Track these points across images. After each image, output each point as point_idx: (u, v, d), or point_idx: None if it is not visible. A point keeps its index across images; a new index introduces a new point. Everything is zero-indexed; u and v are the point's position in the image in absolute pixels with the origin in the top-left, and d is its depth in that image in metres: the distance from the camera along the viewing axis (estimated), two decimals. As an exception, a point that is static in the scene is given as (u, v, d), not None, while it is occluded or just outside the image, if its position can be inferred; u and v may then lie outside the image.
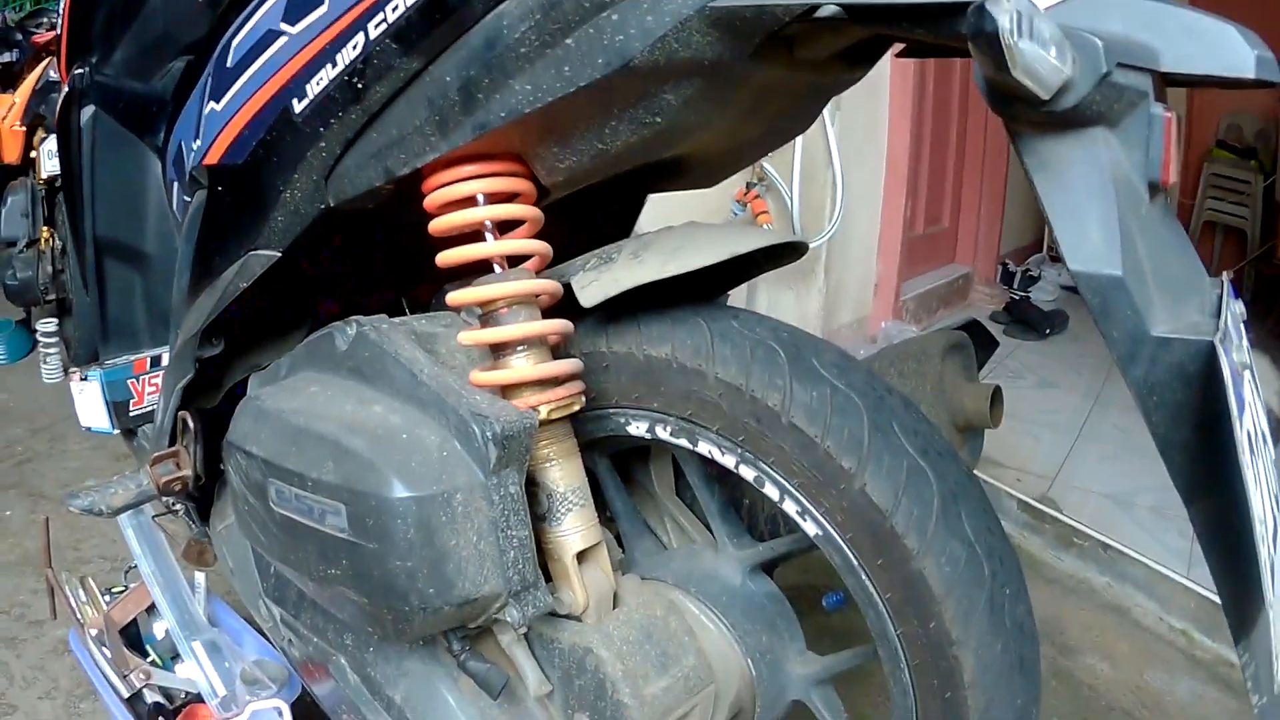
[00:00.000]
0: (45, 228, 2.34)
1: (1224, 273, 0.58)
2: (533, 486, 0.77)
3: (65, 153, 1.37)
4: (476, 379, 0.75)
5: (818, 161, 2.64)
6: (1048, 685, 1.59)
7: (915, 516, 0.68)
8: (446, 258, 0.77)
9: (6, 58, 2.82)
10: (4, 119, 2.49)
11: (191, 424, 1.02)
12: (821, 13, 0.59)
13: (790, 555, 1.00)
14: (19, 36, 2.80)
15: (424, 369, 0.72)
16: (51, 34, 2.65)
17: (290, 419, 0.76)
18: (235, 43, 0.84)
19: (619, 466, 0.96)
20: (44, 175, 2.26)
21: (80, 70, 1.34)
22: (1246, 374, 0.53)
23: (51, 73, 2.35)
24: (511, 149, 0.75)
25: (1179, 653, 1.74)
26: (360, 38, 0.73)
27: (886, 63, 2.86)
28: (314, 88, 0.77)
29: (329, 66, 0.75)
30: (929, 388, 0.92)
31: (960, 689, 0.68)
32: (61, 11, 1.39)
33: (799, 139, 2.54)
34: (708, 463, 0.85)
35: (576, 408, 0.77)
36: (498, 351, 0.76)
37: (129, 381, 1.39)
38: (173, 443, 1.08)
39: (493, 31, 0.67)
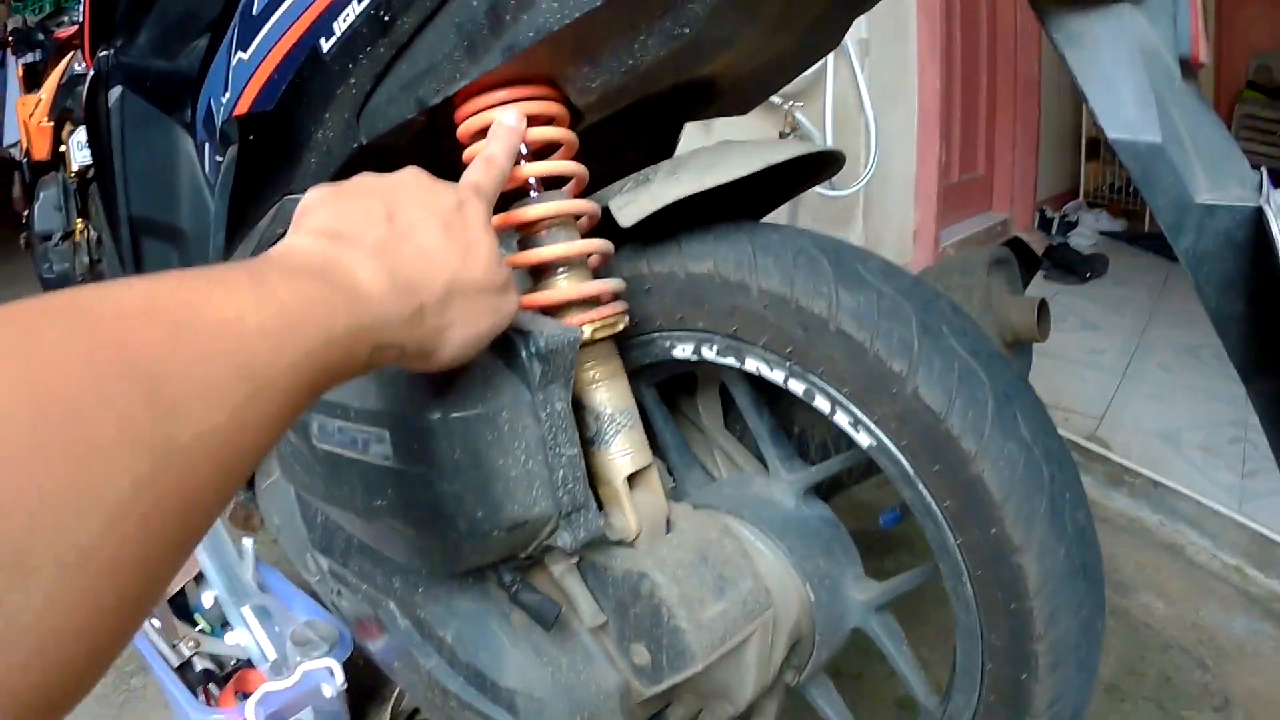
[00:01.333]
0: (79, 220, 2.37)
1: (1261, 167, 0.57)
2: (580, 410, 0.76)
3: (95, 136, 1.38)
4: (521, 301, 0.74)
5: (849, 108, 2.61)
6: None
7: (970, 418, 0.66)
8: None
9: (30, 58, 2.86)
10: (32, 115, 2.53)
11: None
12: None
13: (842, 480, 1.00)
14: (40, 36, 2.84)
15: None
16: (73, 29, 2.68)
17: None
18: (256, -10, 0.84)
19: (666, 402, 0.95)
20: (74, 168, 2.29)
21: (105, 53, 1.35)
22: None
23: (76, 66, 2.38)
24: (542, 72, 0.74)
25: (1233, 589, 1.72)
26: (385, -33, 0.72)
27: (912, 4, 2.81)
28: (341, 25, 0.77)
29: (355, 2, 0.75)
30: (975, 301, 0.90)
31: (1025, 598, 0.67)
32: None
33: (829, 85, 2.51)
34: (757, 386, 0.84)
35: (620, 327, 0.76)
36: (539, 275, 0.76)
37: None
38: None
39: (516, -52, 0.66)
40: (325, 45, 0.78)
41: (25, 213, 2.51)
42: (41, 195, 2.42)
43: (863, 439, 0.72)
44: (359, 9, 0.74)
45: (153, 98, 1.35)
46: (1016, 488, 0.66)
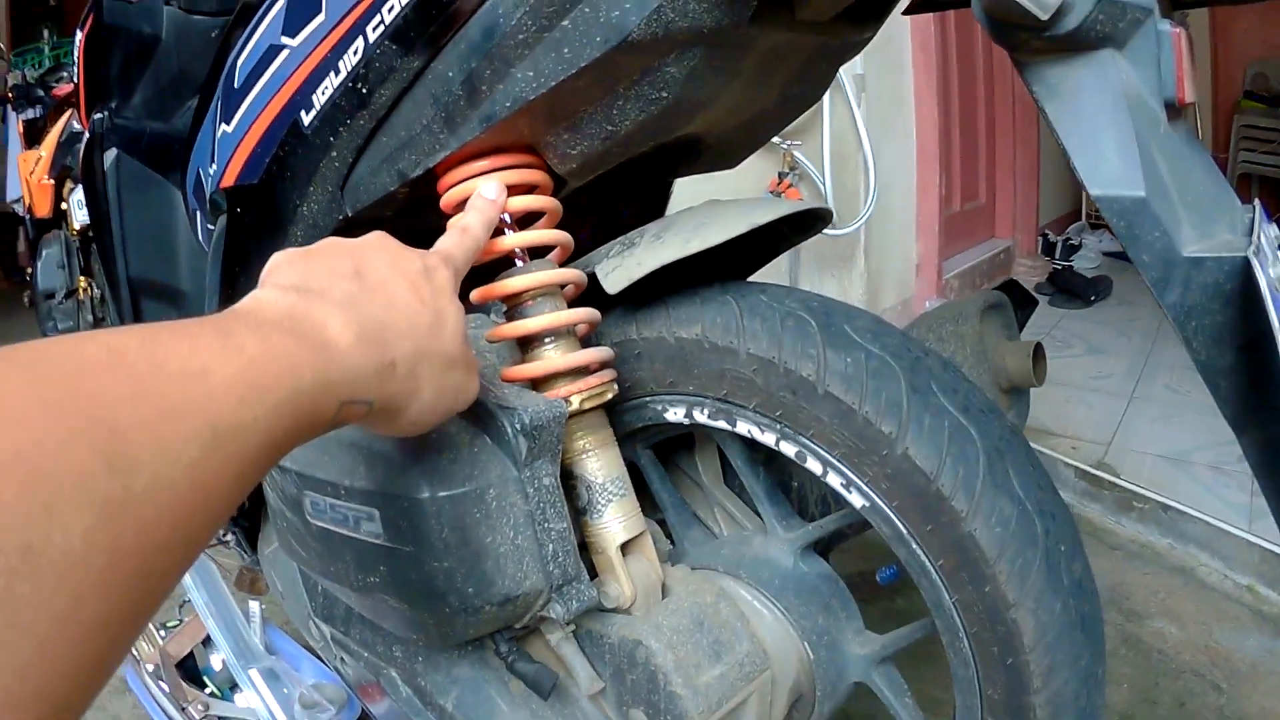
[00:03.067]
0: (82, 277, 2.38)
1: (1255, 199, 0.56)
2: (571, 479, 0.76)
3: (92, 197, 1.38)
4: (507, 374, 0.74)
5: (847, 145, 2.61)
6: (1116, 653, 1.57)
7: (961, 476, 0.65)
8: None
9: (30, 114, 2.87)
10: (33, 172, 2.54)
11: None
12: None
13: (841, 535, 0.98)
14: (40, 92, 2.85)
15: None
16: (70, 86, 2.70)
17: None
18: (240, 63, 0.84)
19: (663, 458, 0.95)
20: (76, 226, 2.30)
21: (100, 115, 1.36)
22: None
23: (75, 124, 2.39)
24: (522, 140, 0.74)
25: (1246, 609, 1.71)
26: (360, 42, 0.72)
27: (906, 38, 2.82)
28: (320, 98, 0.77)
29: (332, 74, 0.75)
30: (968, 349, 0.89)
31: (1021, 653, 0.66)
32: (77, 60, 1.41)
33: (826, 123, 2.51)
34: (751, 445, 0.83)
35: (609, 396, 0.76)
36: (526, 346, 0.76)
37: None
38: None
39: (489, 21, 0.66)
40: (306, 118, 0.79)
41: (29, 270, 2.52)
42: (44, 253, 2.43)
43: (855, 500, 0.72)
44: (336, 82, 0.75)
45: (148, 159, 1.36)
46: (1009, 544, 0.66)
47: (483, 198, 0.70)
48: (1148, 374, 2.75)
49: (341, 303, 0.50)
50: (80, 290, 2.37)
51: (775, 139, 2.50)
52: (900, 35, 2.90)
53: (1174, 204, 0.50)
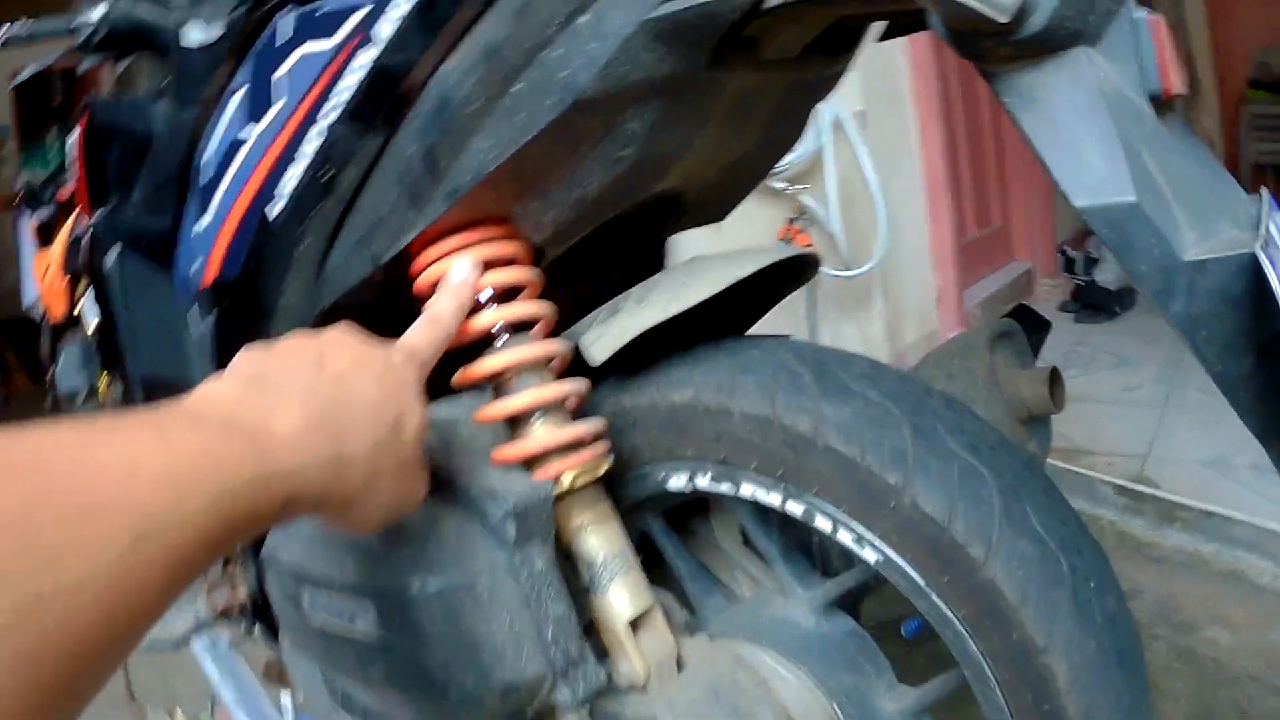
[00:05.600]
0: (104, 375, 2.39)
1: (1262, 188, 0.51)
2: (571, 558, 0.72)
3: (99, 296, 1.39)
4: (497, 456, 0.71)
5: (854, 184, 2.58)
6: (1170, 668, 1.51)
7: (975, 521, 0.61)
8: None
9: (43, 214, 2.92)
10: (46, 274, 2.57)
11: (238, 547, 1.01)
12: (769, 3, 0.56)
13: (865, 588, 0.94)
14: (47, 196, 2.90)
15: (434, 452, 0.69)
16: (74, 186, 2.73)
17: (307, 528, 0.74)
18: (204, 160, 0.84)
19: (679, 523, 0.91)
20: (91, 326, 2.32)
21: (100, 213, 1.37)
22: None
23: (81, 225, 2.42)
24: (492, 212, 0.72)
25: (1301, 606, 1.65)
26: (317, 128, 0.71)
27: (905, 69, 2.80)
28: (285, 188, 0.76)
29: (294, 164, 0.74)
30: (980, 384, 0.85)
31: (1057, 697, 0.61)
32: (75, 160, 1.43)
33: (830, 164, 2.49)
34: (760, 507, 0.80)
35: (604, 469, 0.73)
36: (516, 425, 0.73)
37: None
38: (226, 565, 1.07)
39: (441, 94, 0.65)
40: (273, 211, 0.77)
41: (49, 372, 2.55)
42: (62, 355, 2.44)
43: (868, 555, 0.68)
44: (299, 171, 0.73)
45: (151, 255, 1.35)
46: (1033, 586, 0.61)
47: (452, 281, 0.68)
48: (1179, 380, 2.69)
49: (295, 391, 0.49)
50: (101, 390, 2.39)
51: (779, 184, 2.49)
52: (898, 67, 2.88)
53: (1169, 205, 0.46)
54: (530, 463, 0.71)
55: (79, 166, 1.39)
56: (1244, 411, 0.47)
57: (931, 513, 0.62)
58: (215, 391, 0.48)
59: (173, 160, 1.33)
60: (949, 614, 0.65)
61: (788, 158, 2.40)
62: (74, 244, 2.42)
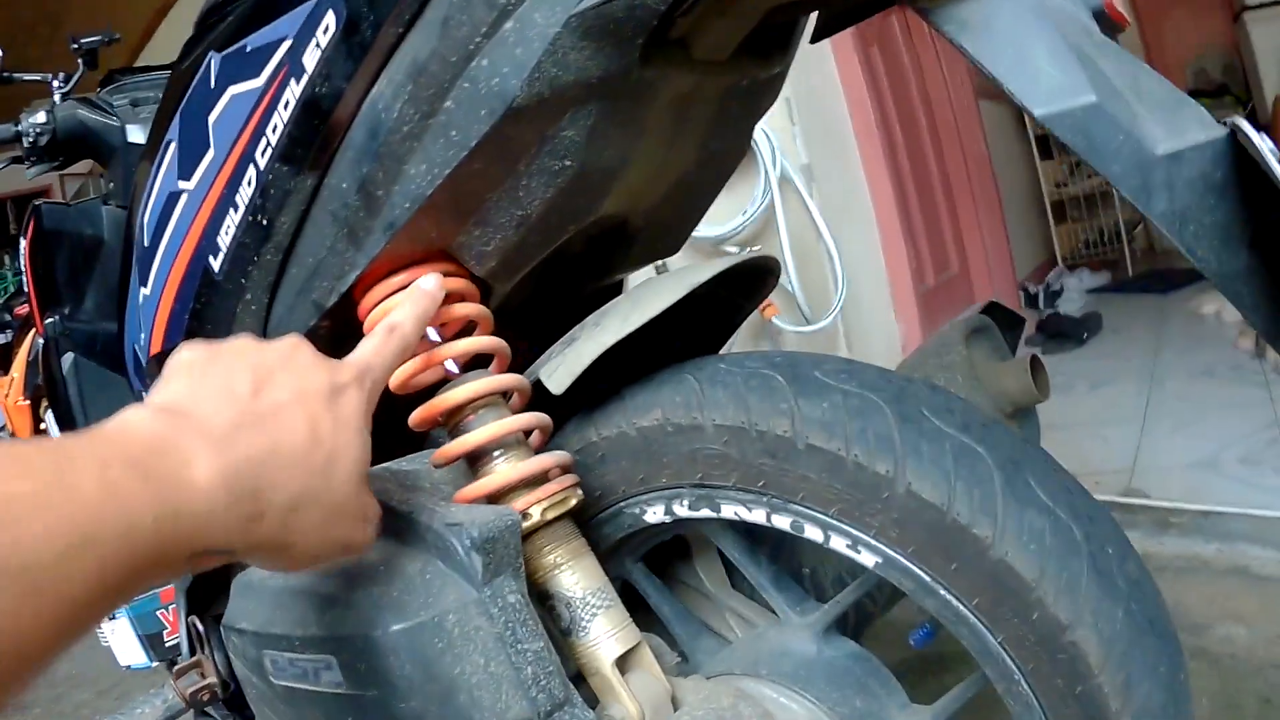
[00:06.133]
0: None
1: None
2: (548, 600, 0.68)
3: (54, 403, 1.35)
4: (459, 497, 0.68)
5: (807, 239, 2.59)
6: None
7: (977, 499, 0.58)
8: (398, 379, 0.71)
9: (0, 339, 2.87)
10: (8, 396, 2.52)
11: (201, 628, 0.95)
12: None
13: (867, 612, 0.90)
14: (7, 316, 2.86)
15: (393, 496, 0.65)
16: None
17: (271, 583, 0.70)
18: (145, 219, 0.81)
19: (661, 572, 0.87)
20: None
21: (52, 320, 1.33)
22: None
23: (39, 343, 2.38)
24: (434, 246, 0.70)
25: (1311, 588, 1.63)
26: (252, 171, 0.69)
27: (846, 121, 2.83)
28: (225, 239, 0.73)
29: (232, 211, 0.72)
30: (960, 379, 0.83)
31: (1091, 676, 0.56)
32: (25, 268, 1.40)
33: (781, 221, 2.50)
34: (746, 533, 0.76)
35: (574, 502, 0.69)
36: (476, 465, 0.69)
37: (158, 612, 1.35)
38: (194, 652, 1.01)
39: (371, 120, 0.63)
40: (215, 264, 0.75)
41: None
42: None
43: (866, 559, 0.64)
44: (237, 218, 0.71)
45: (105, 360, 1.33)
46: (1049, 559, 0.57)
47: (419, 288, 0.64)
48: (1155, 391, 2.70)
49: (219, 438, 0.45)
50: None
51: (734, 247, 2.49)
52: (840, 118, 2.93)
53: (1132, 105, 0.43)
54: (496, 501, 0.67)
55: (28, 274, 1.37)
56: (1248, 309, 0.43)
57: (929, 497, 0.59)
58: (133, 424, 0.44)
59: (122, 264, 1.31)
60: (962, 608, 0.60)
61: (738, 220, 2.42)
62: (33, 362, 2.38)
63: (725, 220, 2.46)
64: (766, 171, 2.41)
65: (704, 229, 2.45)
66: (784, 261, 2.50)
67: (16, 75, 1.49)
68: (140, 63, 2.86)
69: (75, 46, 1.50)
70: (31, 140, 1.27)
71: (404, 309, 0.62)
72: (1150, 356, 3.02)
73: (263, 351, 0.52)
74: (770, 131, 2.43)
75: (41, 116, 1.26)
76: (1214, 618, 1.61)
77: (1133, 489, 2.07)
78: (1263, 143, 0.39)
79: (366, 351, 0.58)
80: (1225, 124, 0.42)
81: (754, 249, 2.54)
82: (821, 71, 2.85)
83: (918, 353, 0.88)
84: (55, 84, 1.46)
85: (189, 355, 0.50)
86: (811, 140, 2.67)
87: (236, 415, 0.47)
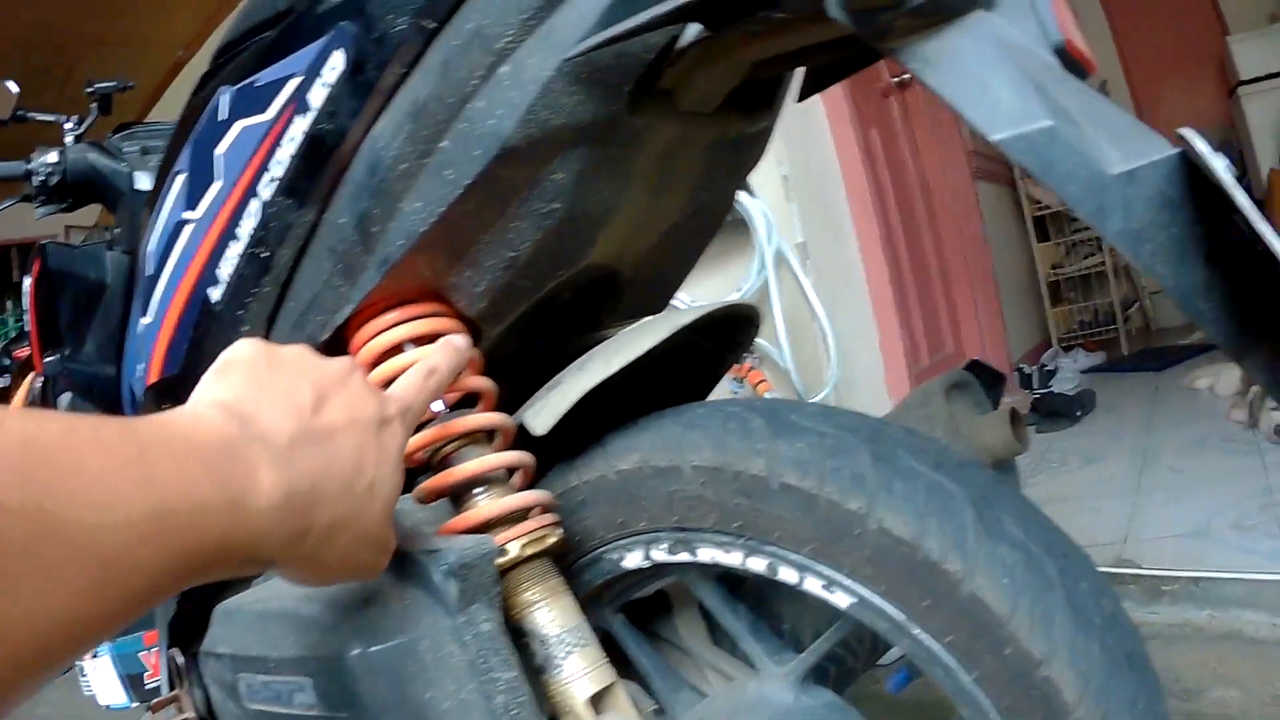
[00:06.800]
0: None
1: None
2: (523, 636, 0.68)
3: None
4: (443, 529, 0.69)
5: (801, 316, 2.61)
6: None
7: (949, 535, 0.58)
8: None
9: (0, 383, 2.88)
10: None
11: (181, 661, 0.95)
12: (683, 41, 0.58)
13: (845, 664, 0.90)
14: (6, 361, 2.87)
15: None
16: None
17: (253, 608, 0.71)
18: (149, 249, 0.84)
19: (643, 626, 0.87)
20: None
21: (52, 359, 1.35)
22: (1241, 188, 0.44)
23: (38, 384, 2.39)
24: (426, 285, 0.72)
25: (1304, 648, 1.62)
26: (255, 204, 0.72)
27: (842, 199, 2.87)
28: (225, 270, 0.75)
29: (234, 243, 0.74)
30: (940, 431, 0.84)
31: (1067, 713, 0.56)
32: (27, 307, 1.42)
33: (775, 299, 2.52)
34: (724, 582, 0.77)
35: (552, 540, 0.70)
36: (459, 501, 0.71)
37: (141, 654, 1.35)
38: (173, 686, 1.00)
39: (371, 157, 0.66)
40: (215, 294, 0.77)
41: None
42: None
43: (840, 600, 0.64)
44: (239, 250, 0.73)
45: (102, 405, 1.34)
46: (1022, 594, 0.58)
47: (452, 343, 0.66)
48: (1148, 465, 2.69)
49: (281, 452, 0.47)
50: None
51: (730, 326, 2.51)
52: (836, 199, 2.98)
53: (1086, 131, 0.45)
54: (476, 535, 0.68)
55: (30, 312, 1.39)
56: (1209, 325, 0.44)
57: (901, 534, 0.59)
58: (206, 422, 0.45)
59: (124, 309, 1.33)
60: (935, 646, 0.60)
61: (734, 296, 2.45)
62: (31, 405, 2.38)
63: (720, 296, 2.48)
64: (762, 249, 2.44)
65: (700, 304, 2.48)
66: (778, 338, 2.52)
67: (31, 114, 1.53)
68: (153, 117, 2.92)
69: (90, 91, 1.54)
70: (41, 179, 1.29)
71: (441, 355, 0.64)
72: (1144, 431, 3.02)
73: (321, 368, 0.53)
74: (766, 209, 2.46)
75: (53, 156, 1.29)
76: (1207, 682, 1.60)
77: (1125, 559, 2.06)
78: (1212, 157, 0.40)
79: (409, 390, 0.59)
80: (1179, 139, 0.44)
81: (749, 325, 2.56)
82: (819, 151, 2.91)
83: (900, 406, 0.90)
84: (68, 126, 1.49)
85: (250, 351, 0.51)
86: (808, 219, 2.72)
87: (297, 430, 0.48)
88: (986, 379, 0.93)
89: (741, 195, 2.40)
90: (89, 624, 0.36)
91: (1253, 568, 1.81)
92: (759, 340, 2.54)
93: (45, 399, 1.35)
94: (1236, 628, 1.75)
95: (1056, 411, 3.40)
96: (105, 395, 1.30)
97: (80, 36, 4.54)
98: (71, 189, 1.33)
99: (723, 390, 2.49)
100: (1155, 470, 2.63)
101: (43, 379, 1.37)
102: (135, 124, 1.43)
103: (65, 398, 1.32)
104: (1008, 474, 0.88)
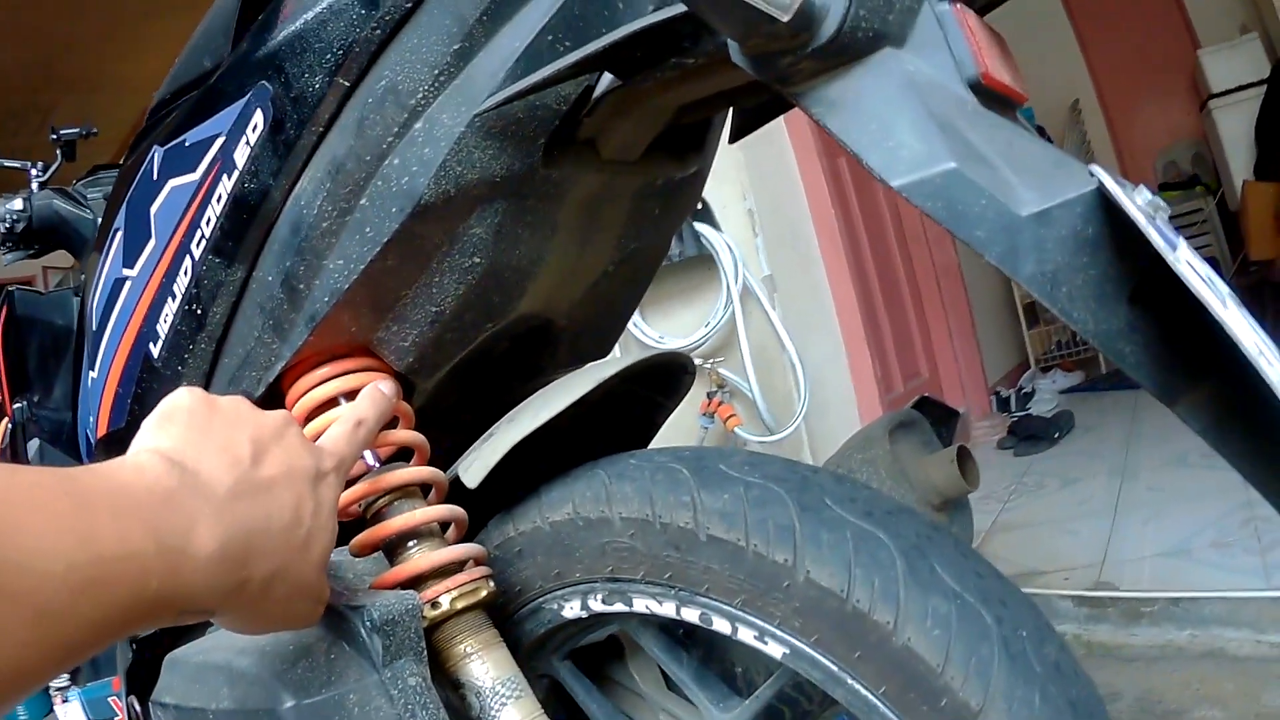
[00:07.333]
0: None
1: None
2: (459, 689, 0.68)
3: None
4: (376, 583, 0.69)
5: (770, 349, 2.61)
6: None
7: (877, 585, 0.58)
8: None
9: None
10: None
11: (139, 708, 0.93)
12: (599, 90, 0.58)
13: (799, 705, 0.89)
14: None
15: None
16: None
17: (194, 659, 0.71)
18: (93, 304, 0.84)
19: (594, 673, 0.86)
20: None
21: (19, 405, 1.34)
22: (1162, 215, 0.41)
23: (9, 425, 2.38)
24: (355, 341, 0.72)
25: (1287, 665, 1.61)
26: (188, 261, 0.72)
27: (810, 231, 2.88)
28: (164, 326, 0.76)
29: (170, 300, 0.74)
30: (883, 473, 0.84)
31: None
32: (-6, 352, 1.41)
33: (742, 333, 2.52)
34: (666, 631, 0.76)
35: (484, 593, 0.70)
36: (393, 554, 0.70)
37: (110, 699, 1.33)
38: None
39: (295, 216, 0.66)
40: (155, 350, 0.77)
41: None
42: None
43: (774, 651, 0.64)
44: (175, 306, 0.74)
45: (70, 451, 1.33)
46: (956, 645, 0.57)
47: (379, 389, 0.67)
48: (1127, 485, 2.68)
49: (220, 504, 0.47)
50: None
51: (699, 360, 2.51)
52: (803, 230, 2.98)
53: (997, 169, 0.42)
54: (410, 589, 0.68)
55: (-1, 357, 1.38)
56: (1136, 369, 0.42)
57: (828, 585, 0.59)
58: (146, 471, 0.45)
59: (88, 357, 1.32)
60: (870, 697, 0.59)
61: (701, 332, 2.45)
62: (2, 452, 2.36)
63: (688, 332, 2.49)
64: (728, 284, 2.45)
65: (668, 341, 2.48)
66: (746, 372, 2.51)
67: None
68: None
69: (55, 137, 1.55)
70: (7, 226, 1.29)
71: (366, 406, 0.64)
72: (1122, 451, 3.02)
73: (259, 420, 0.54)
74: (733, 244, 2.47)
75: (18, 204, 1.29)
76: (1189, 703, 1.58)
77: (1103, 582, 2.04)
78: (1121, 193, 0.38)
79: (338, 442, 0.60)
80: (1091, 175, 0.42)
81: (717, 360, 2.56)
82: (785, 183, 2.92)
83: (842, 449, 0.90)
84: (34, 172, 1.50)
85: (189, 401, 0.51)
86: (774, 251, 2.73)
87: (237, 481, 0.48)
88: (937, 416, 0.93)
89: (707, 230, 2.41)
90: (27, 674, 0.36)
91: (1233, 585, 1.81)
92: (728, 374, 2.55)
93: (14, 445, 1.34)
94: (1218, 646, 1.74)
95: (1034, 434, 3.40)
96: (73, 441, 1.29)
97: (56, 79, 4.56)
98: (37, 235, 1.33)
99: (693, 426, 2.49)
100: (1134, 490, 2.63)
101: (11, 425, 1.36)
102: (111, 166, 1.43)
103: (34, 444, 1.31)
104: (959, 513, 0.88)
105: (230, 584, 0.47)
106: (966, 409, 3.86)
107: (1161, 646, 1.81)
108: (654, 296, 2.56)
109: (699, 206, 2.44)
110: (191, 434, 0.49)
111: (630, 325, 2.42)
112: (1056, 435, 3.38)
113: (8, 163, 1.57)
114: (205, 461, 0.48)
